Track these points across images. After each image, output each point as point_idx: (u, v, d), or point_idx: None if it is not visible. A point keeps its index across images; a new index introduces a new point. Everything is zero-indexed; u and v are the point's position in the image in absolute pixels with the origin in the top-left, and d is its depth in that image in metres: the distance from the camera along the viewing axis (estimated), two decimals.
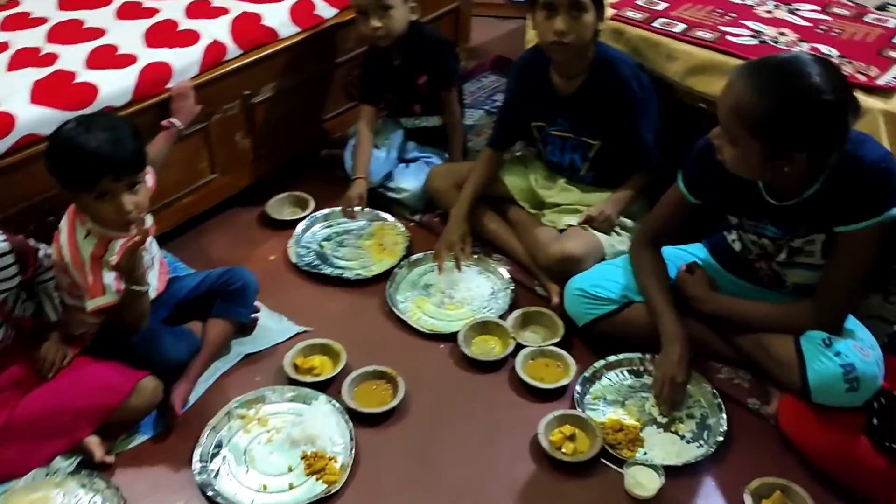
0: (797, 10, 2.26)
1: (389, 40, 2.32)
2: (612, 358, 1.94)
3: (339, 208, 2.37)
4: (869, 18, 2.24)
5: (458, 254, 2.20)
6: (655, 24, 2.18)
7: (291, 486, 1.67)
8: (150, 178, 1.78)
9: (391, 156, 2.49)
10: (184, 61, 2.13)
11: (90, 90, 1.96)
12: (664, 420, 1.82)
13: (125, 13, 2.33)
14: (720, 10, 2.24)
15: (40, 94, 1.91)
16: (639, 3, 2.28)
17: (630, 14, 2.22)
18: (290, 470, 1.70)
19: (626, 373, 1.94)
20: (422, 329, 2.05)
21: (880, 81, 1.89)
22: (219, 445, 1.75)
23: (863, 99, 1.76)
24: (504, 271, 2.21)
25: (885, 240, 1.67)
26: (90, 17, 2.30)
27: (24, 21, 2.28)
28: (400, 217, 2.43)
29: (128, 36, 2.19)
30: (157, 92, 2.07)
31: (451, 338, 2.02)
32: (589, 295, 1.95)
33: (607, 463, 1.72)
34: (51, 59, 2.07)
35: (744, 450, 1.76)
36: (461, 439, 1.79)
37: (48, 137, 1.69)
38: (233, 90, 2.27)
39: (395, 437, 1.79)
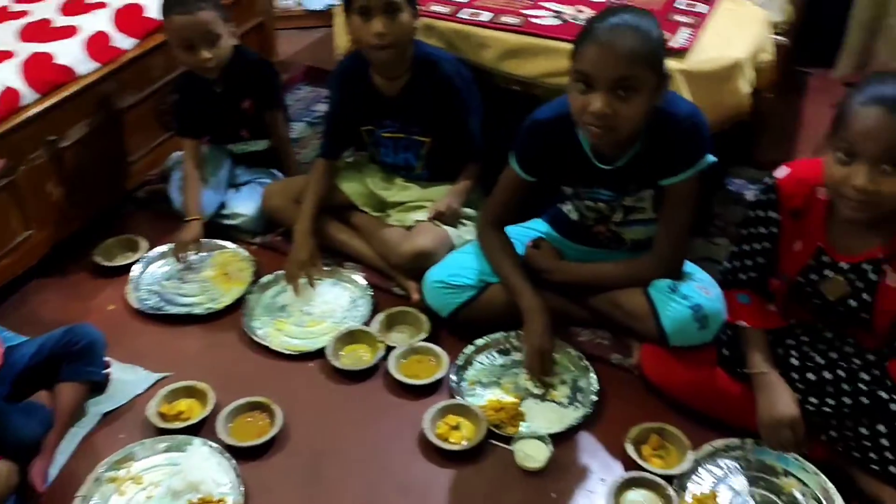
0: None
1: (218, 70, 2.26)
2: (479, 342, 1.99)
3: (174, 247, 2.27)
4: None
5: (309, 270, 2.16)
6: (462, 15, 2.25)
7: None
8: None
9: (221, 186, 2.41)
10: None
11: None
12: (540, 391, 1.89)
13: None
14: None
15: None
16: None
17: (436, 8, 2.27)
18: None
19: (495, 353, 1.99)
20: (287, 351, 2.00)
21: (673, 44, 2.05)
22: None
23: None
24: (359, 278, 2.20)
25: (702, 186, 1.82)
26: None
27: None
28: (240, 242, 2.36)
29: None
30: None
31: (319, 354, 1.98)
32: (448, 285, 1.99)
33: (496, 443, 1.76)
34: None
35: (617, 403, 1.86)
36: (349, 452, 1.77)
37: None
38: (35, 137, 2.11)
39: (282, 466, 1.74)
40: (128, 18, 2.41)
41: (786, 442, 1.64)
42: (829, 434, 1.68)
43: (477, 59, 2.21)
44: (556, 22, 2.19)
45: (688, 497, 1.64)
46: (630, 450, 1.71)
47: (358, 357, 1.99)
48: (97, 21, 2.36)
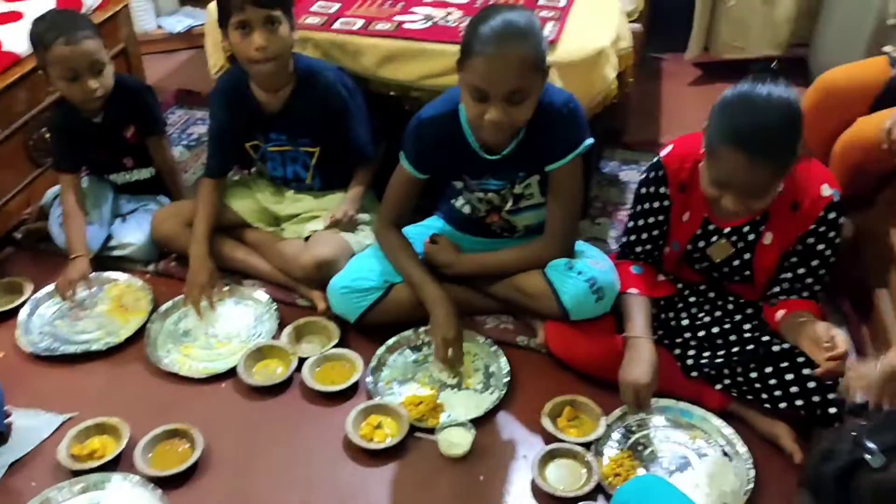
0: None
1: (102, 100, 2.19)
2: (390, 342, 2.03)
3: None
4: None
5: (209, 292, 2.14)
6: (336, 25, 2.28)
7: None
8: None
9: (105, 219, 2.34)
10: None
11: None
12: (454, 381, 1.95)
13: None
14: (390, 2, 2.40)
15: None
16: (314, 9, 2.36)
17: (310, 20, 2.29)
18: None
19: (407, 351, 2.03)
20: (198, 375, 1.98)
21: None
22: None
23: None
24: (261, 294, 2.19)
25: (584, 167, 1.94)
26: None
27: None
28: (133, 272, 2.29)
29: None
30: None
31: (231, 374, 1.97)
32: (353, 290, 2.01)
33: (420, 435, 1.80)
34: None
35: (529, 382, 1.94)
36: (275, 468, 1.77)
37: None
38: None
39: (209, 489, 1.72)
40: None
41: (629, 402, 1.76)
42: (723, 383, 1.82)
43: (355, 66, 2.25)
44: (428, 24, 2.26)
45: (605, 460, 1.74)
46: (547, 423, 1.80)
47: (271, 372, 1.99)
48: None
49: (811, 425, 1.74)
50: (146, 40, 3.45)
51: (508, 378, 1.92)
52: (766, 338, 1.77)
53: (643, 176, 1.83)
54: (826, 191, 1.67)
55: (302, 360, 1.98)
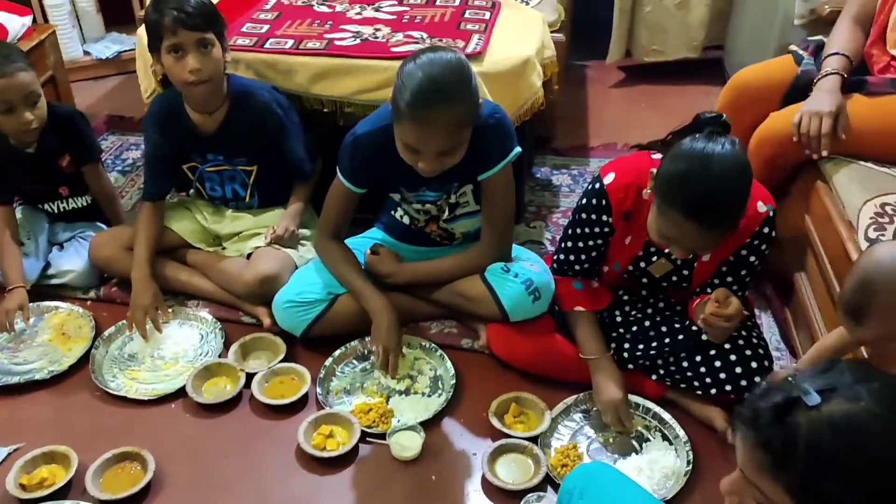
0: (381, 7, 2.55)
1: (38, 132, 2.18)
2: (337, 353, 2.06)
3: None
4: (439, 2, 2.60)
5: (153, 314, 2.14)
6: (267, 45, 2.31)
7: None
8: None
9: (42, 249, 2.32)
10: None
11: None
12: (402, 386, 1.99)
13: None
14: (319, 21, 2.44)
15: None
16: (244, 30, 2.39)
17: (241, 41, 2.32)
18: None
19: (354, 361, 2.07)
20: (146, 398, 1.98)
21: (469, 50, 2.23)
22: None
23: None
24: (205, 314, 2.21)
25: (516, 173, 2.00)
26: None
27: None
28: (74, 300, 2.28)
29: None
30: None
31: (181, 393, 1.98)
32: (297, 303, 2.04)
33: (371, 440, 1.84)
34: None
35: (475, 383, 2.00)
36: (229, 483, 1.79)
37: None
38: None
39: None
40: None
41: (612, 422, 1.85)
42: (658, 373, 1.91)
43: (288, 85, 2.28)
44: (357, 41, 2.31)
45: (552, 452, 1.81)
46: (494, 421, 1.86)
47: (220, 389, 2.00)
48: None
49: None
50: (74, 67, 3.43)
51: (454, 380, 1.98)
52: (695, 328, 1.86)
53: (584, 200, 1.82)
54: (762, 207, 1.71)
55: (250, 377, 2.00)
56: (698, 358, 1.86)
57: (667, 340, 1.90)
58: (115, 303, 2.27)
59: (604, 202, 1.78)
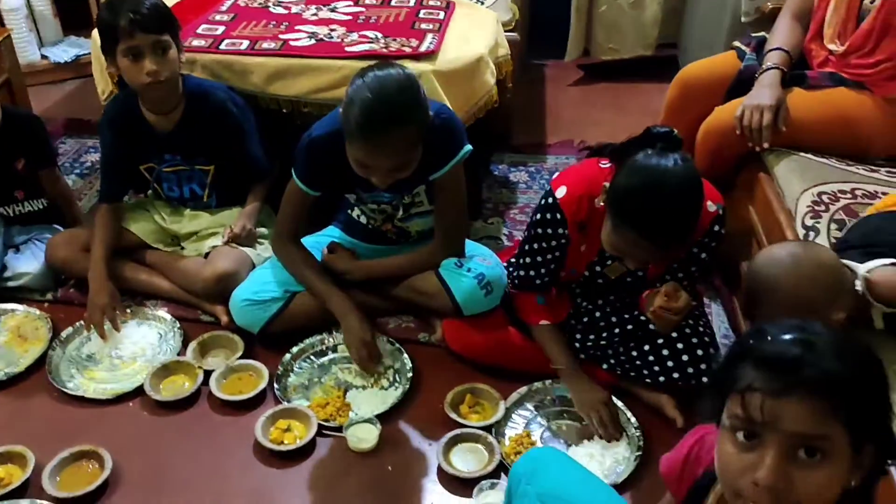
0: (336, 7, 2.58)
1: None
2: (294, 349, 2.08)
3: None
4: (394, 2, 2.63)
5: (111, 314, 2.14)
6: (222, 46, 2.33)
7: None
8: None
9: None
10: None
11: None
12: (361, 382, 2.02)
13: None
14: (275, 22, 2.47)
15: None
16: (200, 31, 2.41)
17: (196, 42, 2.33)
18: None
19: (312, 357, 2.09)
20: (104, 397, 1.98)
21: (422, 49, 2.26)
22: None
23: (415, 66, 2.13)
24: (163, 313, 2.22)
25: (467, 171, 2.04)
26: None
27: None
28: (30, 302, 2.28)
29: None
30: None
31: (139, 392, 1.99)
32: (254, 301, 2.06)
33: (328, 433, 1.87)
34: None
35: (431, 375, 2.03)
36: (187, 479, 1.80)
37: None
38: None
39: None
40: None
41: (597, 425, 1.84)
42: (609, 363, 1.96)
43: (244, 85, 2.30)
44: (312, 42, 2.34)
45: (506, 441, 1.84)
46: (449, 412, 1.89)
47: (178, 387, 2.01)
48: None
49: (691, 394, 1.89)
50: (32, 71, 3.41)
51: (411, 373, 2.01)
52: (643, 318, 1.90)
53: (539, 216, 1.83)
54: (711, 207, 1.74)
55: (208, 374, 2.01)
56: (647, 347, 1.90)
57: (616, 331, 1.94)
58: (72, 304, 2.26)
59: (558, 216, 1.80)
